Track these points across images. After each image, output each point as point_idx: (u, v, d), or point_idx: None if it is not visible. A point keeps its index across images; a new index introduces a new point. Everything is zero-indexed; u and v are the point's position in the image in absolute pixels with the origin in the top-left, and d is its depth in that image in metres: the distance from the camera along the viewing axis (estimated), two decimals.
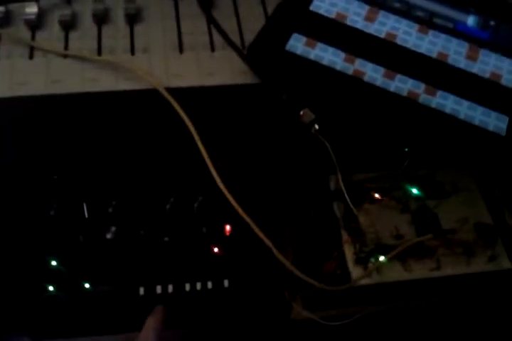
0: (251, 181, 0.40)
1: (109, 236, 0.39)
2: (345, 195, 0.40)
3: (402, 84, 0.42)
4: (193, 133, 0.39)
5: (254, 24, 0.46)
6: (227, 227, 0.40)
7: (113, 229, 0.39)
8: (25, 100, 0.40)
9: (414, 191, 0.42)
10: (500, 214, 0.42)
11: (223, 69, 0.43)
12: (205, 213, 0.39)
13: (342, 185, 0.40)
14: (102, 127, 0.40)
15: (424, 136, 0.41)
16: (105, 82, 0.41)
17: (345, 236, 0.40)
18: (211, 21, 0.44)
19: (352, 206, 0.40)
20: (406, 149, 0.42)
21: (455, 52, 0.45)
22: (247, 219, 0.37)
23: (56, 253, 0.37)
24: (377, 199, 0.42)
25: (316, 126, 0.40)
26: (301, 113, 0.39)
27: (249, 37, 0.45)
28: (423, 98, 0.42)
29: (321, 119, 0.40)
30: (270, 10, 0.47)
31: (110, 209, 0.39)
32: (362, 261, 0.39)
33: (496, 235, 0.41)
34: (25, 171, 0.39)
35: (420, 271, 0.39)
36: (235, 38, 0.44)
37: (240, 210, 0.37)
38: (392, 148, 0.43)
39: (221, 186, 0.38)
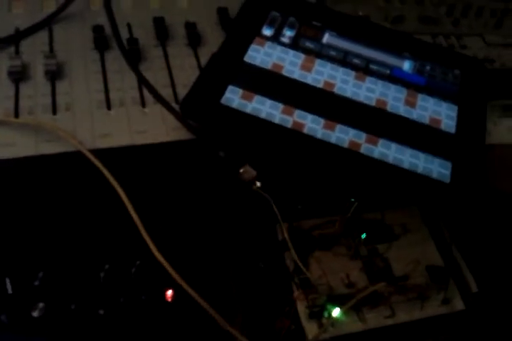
0: (191, 242, 0.38)
1: (35, 314, 0.35)
2: (290, 245, 0.38)
3: (344, 135, 0.41)
4: (122, 197, 0.36)
5: (187, 77, 0.44)
6: (169, 293, 0.36)
7: (40, 305, 0.35)
8: None
9: (362, 236, 0.41)
10: (450, 254, 0.42)
11: (155, 126, 0.40)
12: (144, 279, 0.36)
13: (287, 235, 0.38)
14: (23, 195, 0.37)
15: (369, 186, 0.40)
16: (23, 147, 0.37)
17: (296, 289, 0.38)
18: (138, 76, 0.42)
19: (297, 258, 0.38)
20: (352, 199, 0.41)
21: (394, 98, 0.44)
22: (186, 287, 0.35)
23: None
24: (327, 246, 0.40)
25: (258, 183, 0.38)
26: (241, 170, 0.37)
27: (182, 91, 0.43)
28: (365, 148, 0.40)
29: (262, 175, 0.38)
30: (204, 62, 0.45)
31: (36, 283, 0.35)
32: (315, 315, 0.37)
33: (447, 277, 0.40)
34: None
35: (375, 319, 0.38)
36: (168, 92, 0.42)
37: (177, 277, 0.35)
38: (337, 196, 0.41)
39: (156, 254, 0.35)
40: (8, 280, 0.35)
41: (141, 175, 0.39)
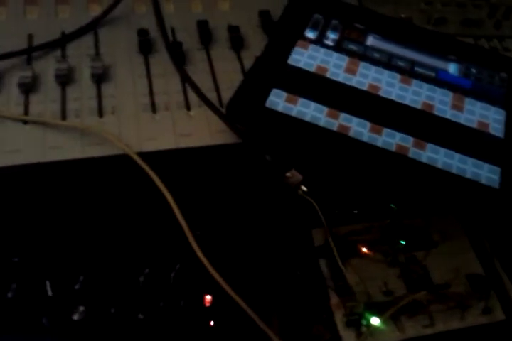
0: (231, 246, 0.37)
1: (76, 317, 0.35)
2: (335, 252, 0.38)
3: (390, 139, 0.40)
4: (169, 200, 0.36)
5: (231, 80, 0.43)
6: (208, 298, 0.36)
7: (81, 308, 0.35)
8: None
9: (402, 242, 0.40)
10: (491, 263, 0.41)
11: (200, 129, 0.40)
12: (183, 283, 0.36)
13: (330, 240, 0.38)
14: (68, 197, 0.37)
15: (416, 191, 0.39)
16: (70, 150, 0.37)
17: (333, 296, 0.38)
18: (185, 79, 0.41)
19: (341, 265, 0.38)
20: (392, 205, 0.40)
21: (440, 102, 0.43)
22: (229, 291, 0.34)
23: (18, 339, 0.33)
24: (364, 253, 0.40)
25: (304, 188, 0.37)
26: (288, 174, 0.37)
27: (226, 94, 0.42)
28: (413, 152, 0.39)
29: (307, 179, 0.38)
30: (247, 65, 0.45)
31: (77, 286, 0.36)
32: (353, 323, 0.37)
33: (489, 286, 0.39)
34: None
35: (413, 328, 0.37)
36: (212, 96, 0.42)
37: (221, 281, 0.34)
38: (377, 200, 0.41)
39: (201, 256, 0.35)
40: (48, 283, 0.35)
41: (186, 179, 0.39)
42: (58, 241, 0.36)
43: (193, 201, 0.38)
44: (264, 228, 0.39)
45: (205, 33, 0.46)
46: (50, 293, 0.35)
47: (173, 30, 0.47)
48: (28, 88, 0.40)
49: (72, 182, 0.37)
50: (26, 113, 0.39)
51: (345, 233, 0.40)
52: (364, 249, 0.40)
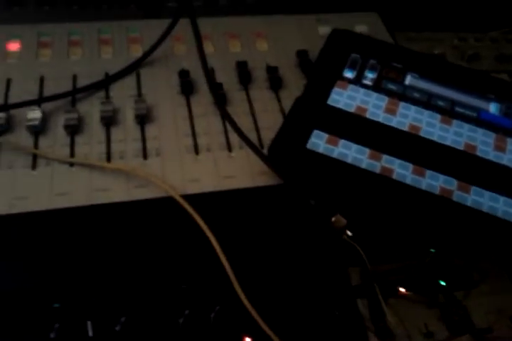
0: (270, 287, 0.37)
1: None
2: (378, 293, 0.37)
3: (434, 181, 0.39)
4: (212, 241, 0.36)
5: (270, 121, 0.44)
6: (247, 340, 0.36)
7: None
8: (25, 217, 0.36)
9: (441, 283, 0.39)
10: None
11: (242, 171, 0.40)
12: (223, 324, 0.35)
13: (376, 286, 0.37)
14: (113, 240, 0.37)
15: (460, 235, 0.38)
16: (116, 192, 0.38)
17: (372, 338, 0.37)
18: (228, 120, 0.42)
19: (384, 306, 0.37)
20: (432, 250, 0.40)
21: (482, 143, 0.43)
22: (269, 332, 0.34)
23: None
24: (403, 293, 0.39)
25: (349, 233, 0.37)
26: (333, 219, 0.36)
27: (266, 134, 0.43)
28: (457, 195, 0.39)
29: (352, 224, 0.37)
30: (285, 105, 0.45)
31: (118, 328, 0.35)
32: None
33: None
34: (26, 297, 0.35)
35: None
36: (252, 136, 0.42)
37: (261, 323, 0.34)
38: (419, 243, 0.40)
39: (243, 298, 0.35)
40: (89, 324, 0.35)
41: (229, 220, 0.38)
42: (101, 282, 0.36)
43: (236, 242, 0.38)
44: (302, 267, 0.39)
45: (244, 74, 0.47)
46: (90, 334, 0.35)
47: (212, 70, 0.48)
48: (74, 130, 0.41)
49: (116, 224, 0.37)
50: (72, 155, 0.40)
51: (382, 272, 0.39)
52: (402, 289, 0.39)
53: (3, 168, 0.39)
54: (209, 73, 0.43)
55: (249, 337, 0.36)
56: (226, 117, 0.42)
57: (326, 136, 0.41)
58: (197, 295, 0.37)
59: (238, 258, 0.37)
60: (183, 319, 0.36)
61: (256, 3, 0.56)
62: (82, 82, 0.45)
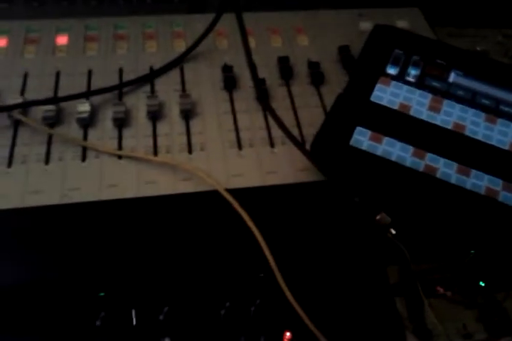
0: (310, 283, 0.37)
1: None
2: (420, 291, 0.37)
3: (479, 181, 0.39)
4: (256, 235, 0.36)
5: (312, 116, 0.44)
6: (288, 334, 0.36)
7: (167, 340, 0.36)
8: (77, 208, 0.37)
9: (481, 284, 0.39)
10: None
11: (285, 167, 0.41)
12: (263, 318, 0.36)
13: (417, 284, 0.37)
14: (158, 232, 0.38)
15: (504, 236, 0.38)
16: (163, 185, 0.38)
17: (410, 337, 0.36)
18: (272, 116, 0.42)
19: (426, 303, 0.37)
20: (472, 251, 0.40)
21: None
22: (311, 326, 0.34)
23: None
24: (441, 293, 0.39)
25: (393, 231, 0.37)
26: (378, 218, 0.36)
27: (307, 130, 0.43)
28: (504, 196, 0.38)
29: (397, 222, 0.37)
30: (327, 100, 0.46)
31: (161, 317, 0.36)
32: None
33: None
34: (72, 285, 0.36)
35: None
36: (294, 133, 0.42)
37: (304, 317, 0.35)
38: (462, 243, 0.40)
39: (287, 292, 0.35)
40: (134, 312, 0.36)
41: (271, 215, 0.39)
42: (147, 273, 0.37)
43: (279, 237, 0.38)
44: (343, 264, 0.39)
45: (286, 69, 0.47)
46: (134, 322, 0.37)
47: (254, 65, 0.48)
48: (121, 123, 0.42)
49: (163, 216, 0.38)
50: (120, 147, 0.41)
51: (422, 271, 0.39)
52: (441, 289, 0.39)
53: (54, 159, 0.40)
54: (255, 68, 0.44)
55: (289, 331, 0.37)
56: (270, 113, 0.42)
57: (369, 133, 0.41)
58: (239, 288, 0.37)
59: (281, 252, 0.37)
60: (224, 310, 0.37)
61: None
62: (127, 76, 0.46)
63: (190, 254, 0.37)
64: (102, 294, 0.36)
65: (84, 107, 0.41)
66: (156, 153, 0.41)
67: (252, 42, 0.49)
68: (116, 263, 0.37)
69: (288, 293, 0.35)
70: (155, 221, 0.38)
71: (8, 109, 0.40)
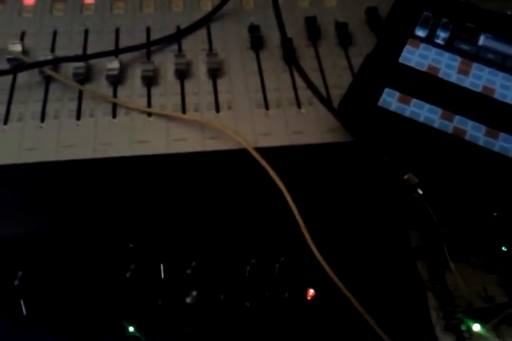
0: (336, 242, 0.38)
1: (189, 300, 0.37)
2: (446, 253, 0.37)
3: (508, 144, 0.39)
4: (284, 193, 0.37)
5: (339, 78, 0.44)
6: (311, 291, 0.38)
7: (194, 293, 0.38)
8: (108, 162, 0.38)
9: (503, 249, 0.39)
10: None
11: (312, 127, 0.41)
12: (287, 275, 0.37)
13: (444, 245, 0.37)
14: (187, 188, 0.38)
15: None
16: (192, 142, 0.39)
17: (431, 299, 0.38)
18: (301, 75, 0.42)
19: (452, 265, 0.37)
20: (495, 214, 0.40)
21: None
22: (338, 282, 0.35)
23: (134, 318, 0.36)
24: (463, 257, 0.39)
25: (420, 191, 0.37)
26: (405, 177, 0.37)
27: (334, 92, 0.43)
28: None
29: (423, 183, 0.38)
30: (354, 62, 0.45)
31: (189, 271, 0.38)
32: (452, 327, 0.36)
33: None
34: (100, 235, 0.37)
35: None
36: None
37: (331, 273, 0.35)
38: (484, 206, 0.40)
39: (315, 251, 0.36)
40: (162, 266, 0.37)
41: (299, 175, 0.39)
42: (174, 229, 0.38)
43: (306, 197, 0.38)
44: (366, 225, 0.39)
45: (313, 30, 0.46)
46: (162, 276, 0.38)
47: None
48: (150, 81, 0.42)
49: (192, 173, 0.39)
50: (149, 105, 0.41)
51: (444, 235, 0.39)
52: (463, 253, 0.39)
53: (85, 115, 0.40)
54: (283, 27, 0.43)
55: (312, 288, 0.38)
56: (298, 72, 0.42)
57: (397, 94, 0.40)
58: (264, 245, 0.38)
59: (307, 211, 0.38)
60: (249, 267, 0.38)
61: None
62: (154, 35, 0.45)
63: (218, 211, 0.38)
64: (131, 245, 0.38)
65: (113, 64, 0.41)
66: (184, 111, 0.41)
67: (279, 2, 0.48)
68: (145, 217, 0.37)
69: (315, 250, 0.36)
70: (184, 177, 0.38)
71: (39, 64, 0.41)
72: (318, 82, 0.44)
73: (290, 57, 0.44)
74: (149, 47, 0.44)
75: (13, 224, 0.36)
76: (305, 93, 0.43)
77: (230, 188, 0.39)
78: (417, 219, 0.38)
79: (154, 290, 0.38)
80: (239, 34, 0.46)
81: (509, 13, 0.53)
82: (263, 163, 0.38)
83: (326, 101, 0.40)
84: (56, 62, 0.42)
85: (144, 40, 0.45)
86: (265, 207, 0.38)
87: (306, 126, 0.41)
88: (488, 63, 0.44)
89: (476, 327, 0.36)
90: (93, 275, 0.37)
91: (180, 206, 0.38)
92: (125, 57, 0.43)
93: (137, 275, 0.37)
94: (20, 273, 0.37)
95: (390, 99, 0.41)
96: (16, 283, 0.37)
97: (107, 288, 0.37)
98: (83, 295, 0.37)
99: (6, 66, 0.43)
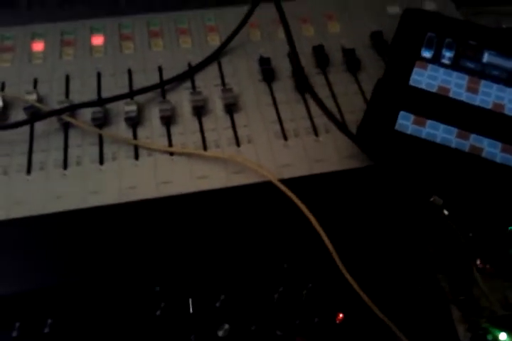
0: (365, 265, 0.38)
1: (221, 334, 0.37)
2: (474, 268, 0.38)
3: None
4: (312, 221, 0.37)
5: (352, 103, 0.45)
6: (340, 315, 0.38)
7: (225, 326, 0.37)
8: (135, 205, 0.38)
9: None
10: None
11: (331, 155, 0.42)
12: (315, 301, 0.38)
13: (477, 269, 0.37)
14: (215, 224, 0.39)
15: None
16: (216, 179, 0.40)
17: (455, 311, 0.38)
18: (318, 103, 0.43)
19: (481, 280, 0.37)
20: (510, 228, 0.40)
21: None
22: (370, 304, 0.36)
23: None
24: (479, 266, 0.39)
25: (446, 212, 0.38)
26: (432, 199, 0.37)
27: (349, 117, 0.44)
28: None
29: (449, 203, 0.38)
30: (365, 87, 0.46)
31: (218, 304, 0.38)
32: (478, 338, 0.36)
33: None
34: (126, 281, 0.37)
35: None
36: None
37: (363, 295, 0.36)
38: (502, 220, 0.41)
39: (347, 275, 0.36)
40: (190, 301, 0.37)
41: (324, 203, 0.40)
42: (204, 262, 0.38)
43: (333, 223, 0.39)
44: (390, 246, 0.40)
45: (321, 58, 0.47)
46: (191, 310, 0.38)
47: (288, 56, 0.48)
48: (169, 120, 0.43)
49: (219, 209, 0.39)
50: (170, 144, 0.42)
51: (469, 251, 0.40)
52: (478, 262, 0.40)
53: (108, 159, 0.41)
54: (297, 57, 0.44)
55: (342, 313, 0.38)
56: (315, 100, 0.43)
57: (412, 116, 0.41)
58: (292, 273, 0.38)
59: (335, 237, 0.38)
60: (277, 295, 0.38)
61: None
62: (166, 73, 0.46)
63: (246, 243, 0.38)
64: (157, 288, 0.38)
65: (131, 107, 0.42)
66: (205, 148, 0.42)
67: (282, 33, 0.48)
68: (174, 255, 0.38)
69: (348, 276, 0.36)
70: (211, 214, 0.39)
71: (57, 113, 0.41)
72: (332, 109, 0.44)
73: (304, 86, 0.45)
74: (163, 86, 0.44)
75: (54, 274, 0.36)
76: (321, 121, 0.44)
77: (257, 220, 0.39)
78: (437, 237, 0.39)
79: (186, 327, 0.38)
80: (249, 67, 0.47)
81: (504, 26, 0.55)
82: (289, 194, 0.38)
83: (343, 128, 0.41)
84: (73, 109, 0.42)
85: (156, 79, 0.45)
86: (291, 235, 0.39)
87: (325, 153, 0.42)
88: (495, 79, 0.45)
89: (503, 336, 0.36)
90: (124, 320, 0.37)
91: (210, 241, 0.38)
92: (141, 97, 0.44)
93: (167, 313, 0.37)
94: (50, 321, 0.37)
95: (406, 122, 0.42)
96: (46, 330, 0.37)
97: (139, 330, 0.37)
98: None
99: (22, 115, 0.43)
